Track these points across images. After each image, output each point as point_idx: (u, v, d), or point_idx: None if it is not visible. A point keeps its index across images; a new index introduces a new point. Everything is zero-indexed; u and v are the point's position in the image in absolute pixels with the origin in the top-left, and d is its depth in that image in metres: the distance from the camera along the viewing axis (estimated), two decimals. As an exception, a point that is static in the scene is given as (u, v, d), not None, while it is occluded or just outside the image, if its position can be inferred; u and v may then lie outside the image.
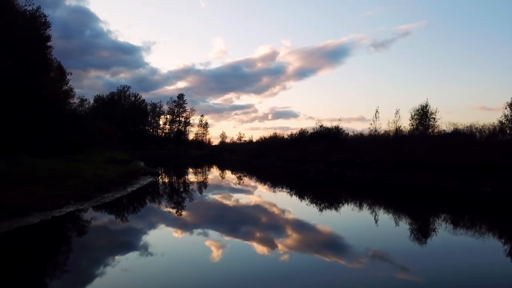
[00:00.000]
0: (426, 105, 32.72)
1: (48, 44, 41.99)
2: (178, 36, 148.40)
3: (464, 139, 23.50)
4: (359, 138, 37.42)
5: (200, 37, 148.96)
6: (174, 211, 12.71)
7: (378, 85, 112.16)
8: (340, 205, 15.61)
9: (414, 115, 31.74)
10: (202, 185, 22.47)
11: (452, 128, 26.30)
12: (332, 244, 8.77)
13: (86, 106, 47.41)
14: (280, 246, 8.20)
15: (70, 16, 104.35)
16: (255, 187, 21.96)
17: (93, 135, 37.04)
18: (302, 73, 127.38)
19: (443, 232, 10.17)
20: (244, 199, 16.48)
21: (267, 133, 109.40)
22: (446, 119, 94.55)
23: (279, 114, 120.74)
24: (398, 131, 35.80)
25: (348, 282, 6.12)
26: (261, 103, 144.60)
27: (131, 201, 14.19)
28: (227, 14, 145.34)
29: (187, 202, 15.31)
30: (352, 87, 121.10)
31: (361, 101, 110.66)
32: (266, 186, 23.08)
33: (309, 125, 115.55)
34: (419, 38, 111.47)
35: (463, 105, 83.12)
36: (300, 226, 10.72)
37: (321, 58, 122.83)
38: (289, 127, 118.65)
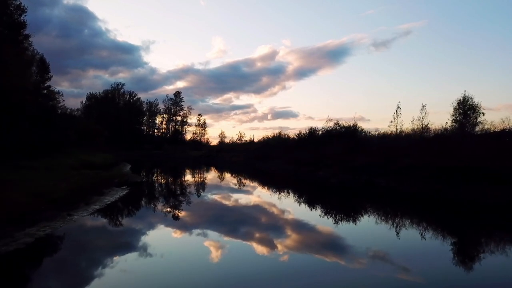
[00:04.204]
0: (465, 98, 27.10)
1: (26, 32, 36.83)
2: (177, 35, 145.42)
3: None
4: (381, 138, 31.83)
5: (199, 37, 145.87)
6: (136, 272, 7.11)
7: (378, 85, 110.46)
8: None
9: (458, 109, 25.94)
10: (197, 205, 16.91)
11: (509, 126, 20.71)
12: None
13: (61, 99, 41.10)
14: None
15: (68, 15, 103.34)
16: (275, 206, 16.40)
17: (68, 134, 31.43)
18: (302, 73, 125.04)
19: None
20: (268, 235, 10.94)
21: (266, 133, 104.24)
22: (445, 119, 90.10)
23: (278, 114, 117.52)
24: (424, 129, 30.34)
25: None
26: (261, 103, 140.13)
27: (57, 251, 8.10)
28: (227, 14, 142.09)
29: (166, 251, 9.67)
30: (352, 87, 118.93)
31: (361, 101, 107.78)
32: (288, 203, 17.41)
33: (309, 125, 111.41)
34: (420, 37, 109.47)
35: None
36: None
37: (321, 57, 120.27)
38: (288, 127, 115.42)
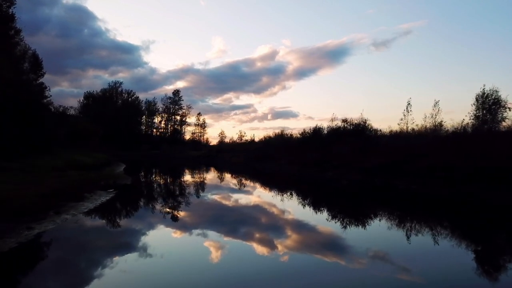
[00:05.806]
0: (484, 93, 24.93)
1: (17, 27, 34.76)
2: (177, 35, 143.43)
3: None
4: (393, 137, 29.71)
5: (199, 37, 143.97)
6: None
7: (378, 85, 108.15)
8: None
9: (480, 104, 23.74)
10: (195, 207, 14.83)
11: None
12: None
13: (47, 93, 38.31)
14: None
15: (68, 14, 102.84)
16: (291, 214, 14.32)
17: (57, 133, 29.39)
18: (302, 73, 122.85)
19: None
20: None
21: (267, 133, 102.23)
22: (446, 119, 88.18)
23: (278, 114, 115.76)
24: (437, 127, 28.25)
25: None
26: (261, 103, 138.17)
27: None
28: (227, 13, 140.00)
29: (159, 264, 7.39)
30: (352, 87, 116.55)
31: (361, 101, 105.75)
32: (300, 212, 15.32)
33: (309, 125, 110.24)
34: (420, 37, 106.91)
35: (463, 105, 77.24)
36: None
37: (321, 57, 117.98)
38: (288, 127, 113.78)
